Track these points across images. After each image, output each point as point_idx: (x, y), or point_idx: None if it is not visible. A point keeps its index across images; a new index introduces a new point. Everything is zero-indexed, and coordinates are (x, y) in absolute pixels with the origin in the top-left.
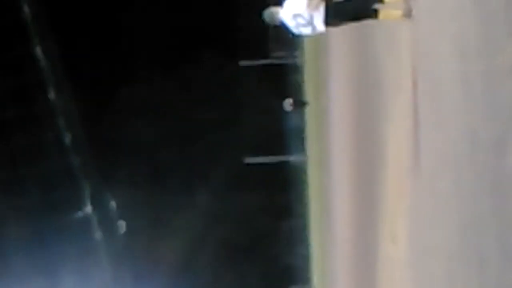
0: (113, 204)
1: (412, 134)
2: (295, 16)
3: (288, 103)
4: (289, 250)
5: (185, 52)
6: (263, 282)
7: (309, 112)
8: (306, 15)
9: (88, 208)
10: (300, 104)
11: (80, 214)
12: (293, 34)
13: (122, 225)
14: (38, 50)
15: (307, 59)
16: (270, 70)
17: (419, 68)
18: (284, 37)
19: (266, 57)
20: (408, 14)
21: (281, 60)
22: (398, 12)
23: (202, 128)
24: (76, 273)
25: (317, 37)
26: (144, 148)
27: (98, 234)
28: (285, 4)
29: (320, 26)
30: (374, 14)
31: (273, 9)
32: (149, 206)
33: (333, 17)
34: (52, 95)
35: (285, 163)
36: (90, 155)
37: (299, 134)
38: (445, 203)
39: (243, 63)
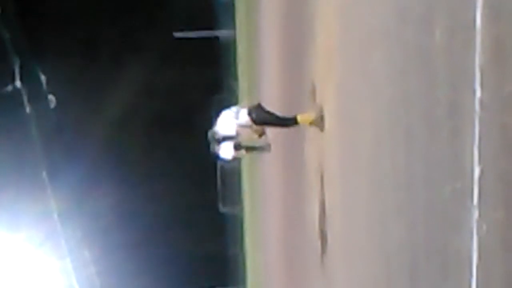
0: (43, 78)
1: (339, 10)
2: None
3: None
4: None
5: None
6: (192, 155)
7: None
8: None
9: (18, 83)
10: None
11: (9, 88)
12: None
13: (52, 100)
14: None
15: None
16: None
17: None
18: None
19: None
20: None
21: None
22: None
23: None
24: (6, 147)
25: None
26: (75, 21)
27: (28, 109)
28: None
29: (243, 117)
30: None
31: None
32: (80, 80)
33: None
34: None
35: (215, 38)
36: (19, 28)
37: (229, 8)
38: (374, 79)
39: None
